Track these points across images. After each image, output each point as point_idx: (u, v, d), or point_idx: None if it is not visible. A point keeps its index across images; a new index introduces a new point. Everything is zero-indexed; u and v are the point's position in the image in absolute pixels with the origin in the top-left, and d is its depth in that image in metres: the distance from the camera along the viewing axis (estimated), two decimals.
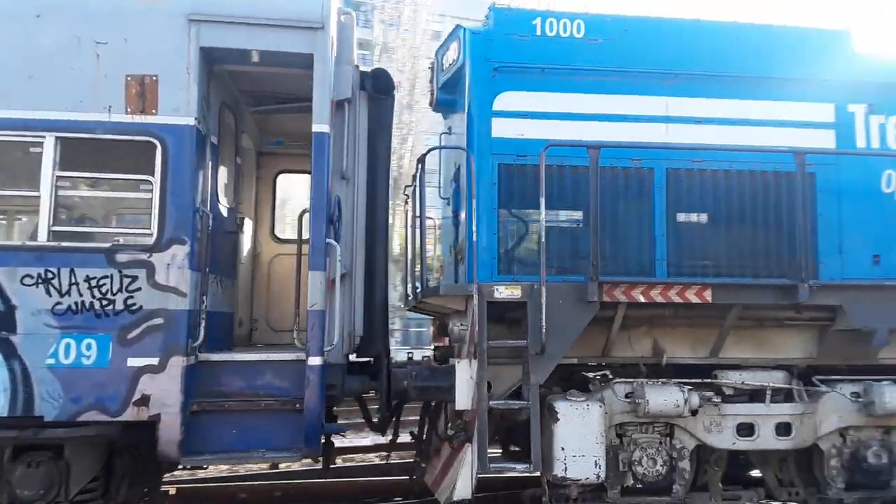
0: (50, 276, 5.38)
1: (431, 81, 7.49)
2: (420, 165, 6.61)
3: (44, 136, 5.51)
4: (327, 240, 5.74)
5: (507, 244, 6.56)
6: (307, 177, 8.90)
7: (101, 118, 5.57)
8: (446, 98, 7.31)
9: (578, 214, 6.80)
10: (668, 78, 6.68)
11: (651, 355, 6.47)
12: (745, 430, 6.16)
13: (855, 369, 6.51)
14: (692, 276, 6.28)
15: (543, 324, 5.65)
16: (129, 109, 5.61)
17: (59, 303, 5.37)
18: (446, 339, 7.48)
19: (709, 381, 6.16)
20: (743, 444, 6.12)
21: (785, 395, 6.28)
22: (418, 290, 7.00)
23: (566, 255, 6.35)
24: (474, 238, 5.86)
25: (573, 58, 6.62)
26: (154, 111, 5.63)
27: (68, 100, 5.55)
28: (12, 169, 5.72)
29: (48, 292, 5.37)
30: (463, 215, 6.51)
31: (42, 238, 5.44)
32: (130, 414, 5.35)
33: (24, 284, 5.36)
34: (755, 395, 6.23)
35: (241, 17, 5.79)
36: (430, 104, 7.54)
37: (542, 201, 5.84)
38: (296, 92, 7.21)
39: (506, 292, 5.89)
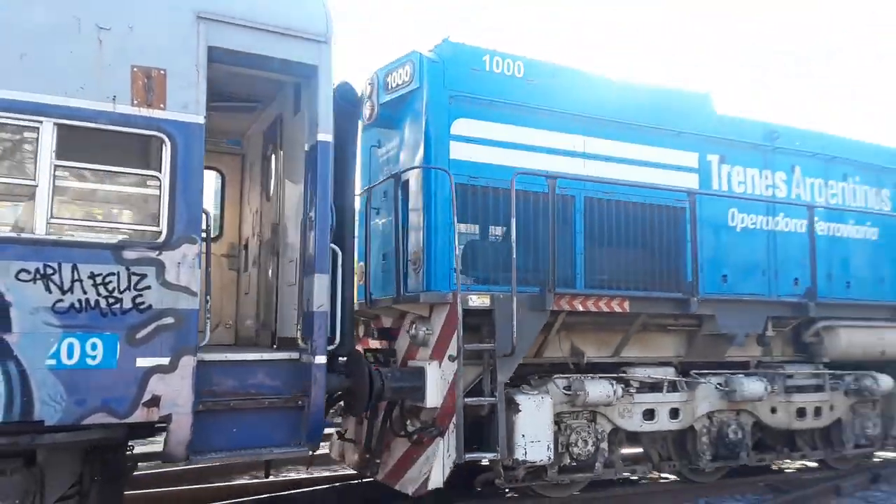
0: (50, 271, 5.03)
1: (371, 97, 7.93)
2: (395, 182, 7.07)
3: (41, 122, 5.14)
4: (331, 245, 6.03)
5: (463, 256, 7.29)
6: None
7: (105, 108, 5.30)
8: (388, 115, 7.82)
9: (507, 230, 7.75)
10: (585, 121, 7.91)
11: (570, 355, 7.61)
12: (648, 415, 7.55)
13: (710, 365, 8.25)
14: (601, 289, 7.54)
15: (515, 329, 6.50)
16: (135, 101, 5.41)
17: (60, 300, 5.03)
18: (369, 342, 8.03)
19: (624, 375, 7.47)
20: (647, 426, 7.51)
21: (672, 386, 7.78)
22: (372, 295, 7.44)
23: (500, 267, 7.23)
24: (457, 252, 6.50)
25: (514, 94, 7.55)
26: (162, 106, 5.49)
27: (68, 85, 5.22)
28: (6, 155, 5.21)
29: (48, 289, 5.02)
30: (421, 226, 7.10)
31: (40, 231, 5.06)
32: (140, 415, 5.18)
33: (19, 280, 4.96)
34: (653, 387, 7.65)
35: (251, 21, 5.85)
36: (369, 118, 7.96)
37: (513, 221, 6.68)
38: (239, 92, 7.30)
39: (477, 301, 6.62)
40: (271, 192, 7.57)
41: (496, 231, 7.69)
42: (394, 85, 7.63)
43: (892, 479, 9.24)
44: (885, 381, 8.86)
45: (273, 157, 7.54)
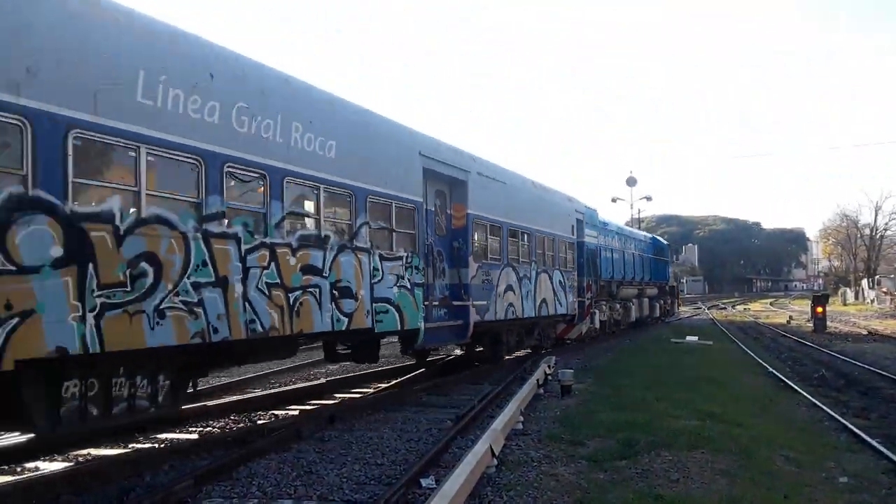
0: (552, 275, 20.27)
1: None
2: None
3: (532, 233, 18.87)
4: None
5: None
6: None
7: (568, 236, 21.33)
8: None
9: None
10: (593, 227, 23.83)
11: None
12: (603, 315, 24.85)
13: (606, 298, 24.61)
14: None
15: (596, 288, 21.37)
16: (573, 234, 21.71)
17: (559, 280, 19.96)
18: None
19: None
20: (604, 318, 24.93)
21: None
22: None
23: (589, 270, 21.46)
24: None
25: (593, 223, 22.34)
26: (574, 234, 21.86)
27: (556, 226, 19.95)
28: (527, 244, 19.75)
29: (550, 280, 19.47)
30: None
31: (543, 265, 20.14)
32: (571, 312, 20.61)
33: (554, 280, 19.82)
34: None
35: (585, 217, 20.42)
36: None
37: (595, 260, 21.20)
38: None
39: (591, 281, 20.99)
40: None
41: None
42: None
43: (345, 417, 10.69)
44: (631, 305, 29.03)
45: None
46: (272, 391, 13.37)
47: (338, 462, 8.35)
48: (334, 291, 10.16)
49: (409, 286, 12.18)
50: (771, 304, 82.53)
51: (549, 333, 21.07)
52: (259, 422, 10.59)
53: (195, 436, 9.61)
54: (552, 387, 13.85)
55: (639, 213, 70.20)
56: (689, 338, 27.81)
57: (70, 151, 6.50)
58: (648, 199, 68.23)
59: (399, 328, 11.94)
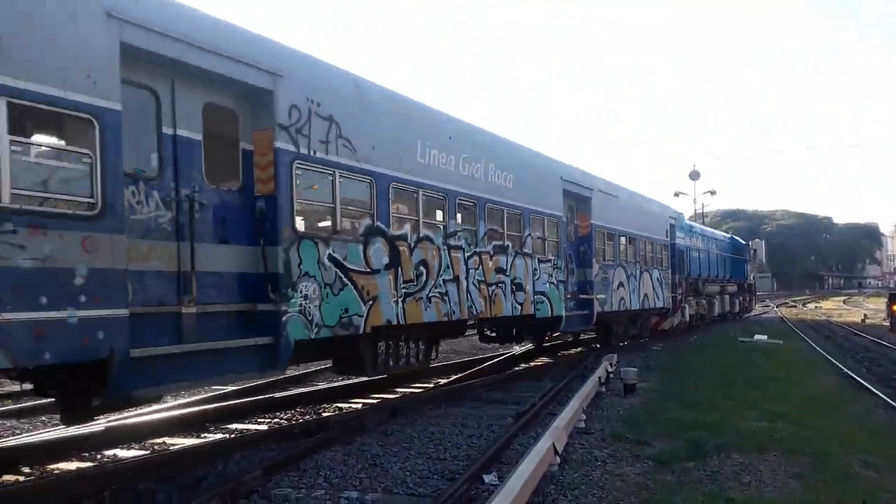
0: (650, 273, 21.28)
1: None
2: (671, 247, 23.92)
3: (637, 238, 21.31)
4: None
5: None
6: None
7: (663, 238, 22.38)
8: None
9: None
10: (681, 229, 25.72)
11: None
12: (693, 309, 26.06)
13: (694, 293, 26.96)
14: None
15: (685, 285, 24.01)
16: (666, 236, 23.16)
17: (656, 278, 21.24)
18: None
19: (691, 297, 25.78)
20: (693, 312, 26.35)
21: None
22: None
23: (678, 268, 24.66)
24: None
25: (682, 227, 24.93)
26: (668, 238, 24.73)
27: (654, 231, 22.50)
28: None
29: (650, 278, 21.35)
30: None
31: (646, 266, 21.15)
32: (666, 305, 23.70)
33: (651, 276, 21.17)
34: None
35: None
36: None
37: (683, 259, 24.19)
38: None
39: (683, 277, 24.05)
40: None
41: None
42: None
43: (407, 411, 11.07)
44: (715, 301, 31.79)
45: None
46: (336, 384, 13.75)
47: (401, 455, 8.55)
48: (513, 286, 13.82)
49: (555, 282, 15.80)
50: (844, 301, 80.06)
51: (646, 324, 24.49)
52: (324, 414, 11.14)
53: (264, 427, 10.09)
54: (614, 385, 13.81)
55: (702, 207, 68.06)
56: (757, 336, 26.88)
57: (391, 196, 10.34)
58: (713, 193, 65.18)
59: (550, 315, 15.54)
